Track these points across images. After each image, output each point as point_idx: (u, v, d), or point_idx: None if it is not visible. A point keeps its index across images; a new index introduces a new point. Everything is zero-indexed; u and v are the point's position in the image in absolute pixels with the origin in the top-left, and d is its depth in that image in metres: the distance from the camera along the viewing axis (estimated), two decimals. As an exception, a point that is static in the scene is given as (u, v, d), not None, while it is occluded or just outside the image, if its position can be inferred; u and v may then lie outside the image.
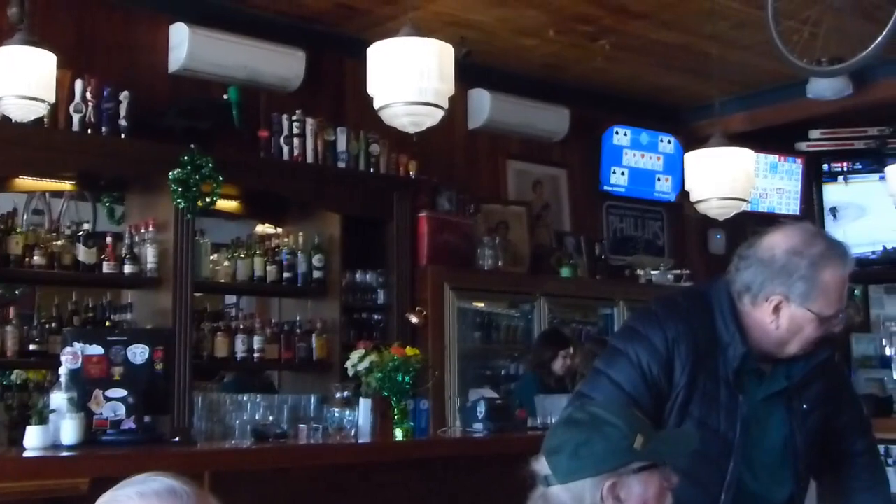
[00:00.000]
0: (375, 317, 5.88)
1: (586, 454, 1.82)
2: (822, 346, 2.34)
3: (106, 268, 4.95)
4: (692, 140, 6.81)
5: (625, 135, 7.25)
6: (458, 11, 5.69)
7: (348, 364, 4.09)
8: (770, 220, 7.70)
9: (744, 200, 4.81)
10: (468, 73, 6.30)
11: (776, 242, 2.28)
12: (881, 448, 5.12)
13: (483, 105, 6.56)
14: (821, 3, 3.92)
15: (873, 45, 3.53)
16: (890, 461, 4.83)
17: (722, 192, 4.70)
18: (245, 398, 4.31)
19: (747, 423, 2.27)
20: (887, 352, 8.53)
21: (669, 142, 7.38)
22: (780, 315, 2.25)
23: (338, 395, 4.20)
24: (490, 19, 5.86)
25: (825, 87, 6.36)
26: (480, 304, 6.31)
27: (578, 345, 5.89)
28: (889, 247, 7.97)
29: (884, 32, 3.48)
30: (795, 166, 7.90)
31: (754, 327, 2.28)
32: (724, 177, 4.68)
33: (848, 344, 8.30)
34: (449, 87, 3.87)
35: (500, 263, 6.25)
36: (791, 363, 2.32)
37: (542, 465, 1.85)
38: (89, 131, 4.90)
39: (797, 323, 2.25)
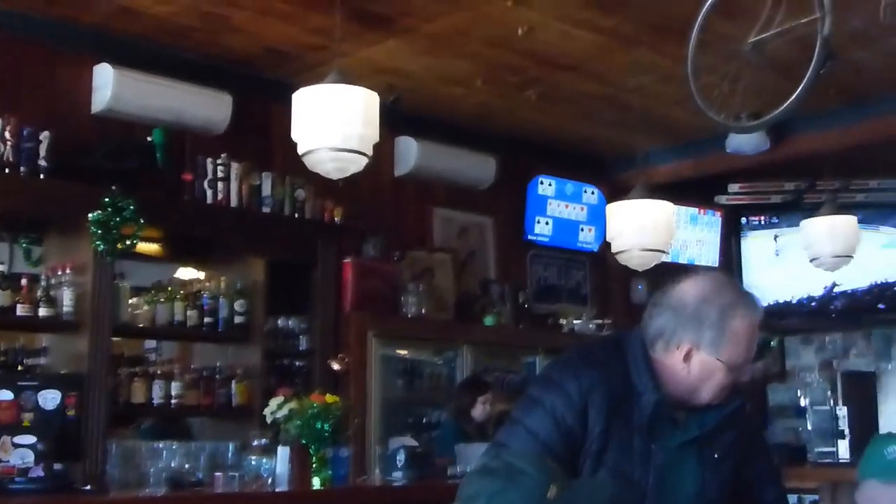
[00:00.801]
0: (297, 363, 5.83)
1: (500, 503, 1.81)
2: (735, 394, 2.37)
3: (20, 310, 4.83)
4: (616, 191, 6.92)
5: (550, 185, 7.33)
6: (386, 59, 5.72)
7: (267, 411, 4.05)
8: (691, 272, 7.88)
9: (663, 252, 4.89)
10: (396, 121, 6.35)
11: (687, 290, 2.32)
12: (794, 497, 5.22)
13: (410, 152, 6.58)
14: (738, 60, 4.01)
15: (788, 102, 3.63)
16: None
17: (643, 243, 4.78)
18: (161, 445, 4.22)
19: (661, 471, 2.29)
20: (802, 402, 8.68)
21: (593, 192, 7.48)
22: (690, 362, 2.29)
23: (255, 442, 4.15)
24: (418, 68, 5.90)
25: (744, 142, 6.51)
26: (404, 351, 6.29)
27: (500, 392, 5.89)
28: (805, 299, 8.15)
29: (798, 89, 3.57)
30: (715, 218, 8.05)
31: (667, 375, 2.31)
32: (645, 228, 4.76)
33: (764, 393, 8.44)
34: (374, 134, 3.89)
35: (423, 311, 6.25)
36: (704, 411, 2.35)
37: (457, 515, 1.84)
38: (7, 171, 4.80)
39: (707, 370, 2.28)
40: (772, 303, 8.10)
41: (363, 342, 5.91)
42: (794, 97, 3.55)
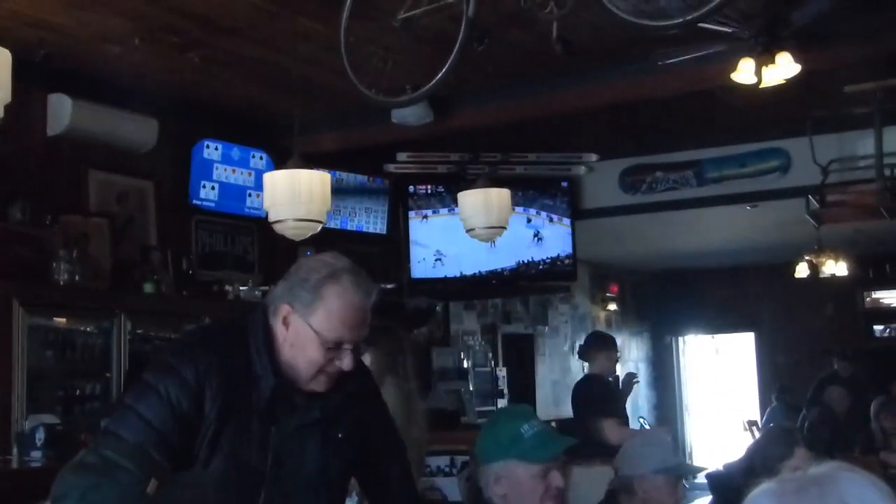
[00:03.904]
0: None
1: (95, 500, 1.72)
2: (360, 374, 2.40)
3: None
4: (284, 158, 6.84)
5: (216, 149, 7.16)
6: (34, 12, 5.33)
7: None
8: (358, 238, 8.00)
9: (319, 222, 4.90)
10: (48, 77, 5.97)
11: (304, 260, 2.36)
12: (446, 459, 5.42)
13: (64, 111, 6.19)
14: (392, 34, 4.05)
15: (433, 81, 3.71)
16: (454, 471, 5.09)
17: (298, 213, 4.76)
18: None
19: (280, 455, 2.28)
20: (465, 364, 9.09)
21: (261, 158, 7.39)
22: (288, 327, 2.29)
23: None
24: (72, 22, 5.55)
25: (408, 114, 6.63)
26: (57, 321, 5.95)
27: None
28: (473, 271, 8.50)
29: (443, 69, 3.66)
30: (383, 187, 8.19)
31: (277, 347, 2.30)
32: (299, 198, 4.74)
33: (429, 357, 8.74)
34: (5, 95, 3.61)
35: (77, 278, 5.92)
36: (325, 393, 2.36)
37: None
38: None
39: (301, 338, 2.28)
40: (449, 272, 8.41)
41: (6, 312, 5.52)
42: (438, 76, 3.63)
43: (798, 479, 1.43)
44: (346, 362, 2.28)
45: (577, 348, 7.53)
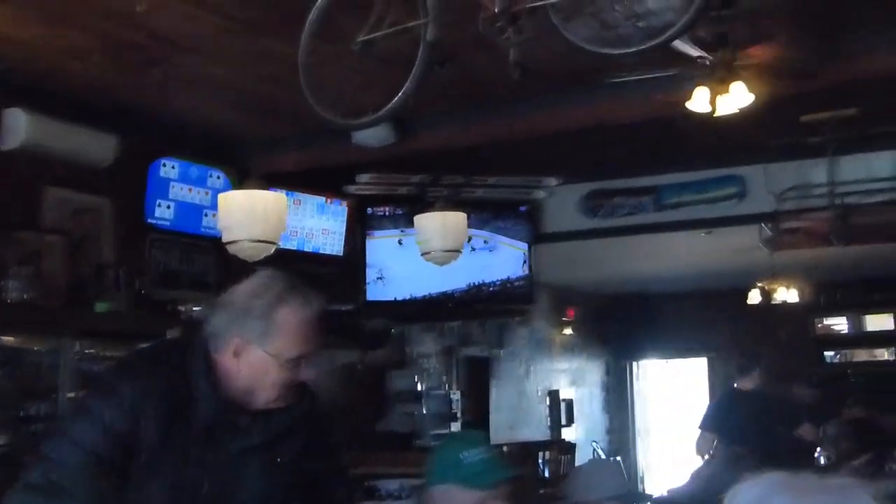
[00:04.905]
0: None
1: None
2: (306, 395, 2.38)
3: None
4: (243, 177, 6.82)
5: (173, 167, 7.11)
6: (-8, 26, 5.29)
7: None
8: (315, 260, 7.97)
9: (274, 243, 4.88)
10: (7, 92, 5.92)
11: (240, 287, 2.33)
12: (397, 483, 5.40)
13: (19, 126, 6.11)
14: (354, 56, 4.04)
15: (390, 105, 3.71)
16: (404, 494, 5.08)
17: (253, 234, 4.73)
18: None
19: (219, 479, 2.25)
20: (419, 387, 9.06)
21: (219, 177, 7.34)
22: (241, 359, 2.27)
23: None
24: (31, 36, 5.50)
25: (369, 135, 6.63)
26: (5, 339, 5.86)
27: None
28: (430, 292, 8.48)
29: (400, 93, 3.66)
30: (342, 208, 8.17)
31: (225, 377, 2.28)
32: (255, 219, 4.71)
33: (385, 380, 8.72)
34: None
35: (26, 296, 5.84)
36: (270, 415, 2.34)
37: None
38: None
39: (259, 367, 2.27)
40: (398, 293, 8.39)
41: (-45, 330, 5.45)
42: (395, 100, 3.64)
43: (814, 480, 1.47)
44: (305, 373, 2.29)
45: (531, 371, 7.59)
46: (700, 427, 8.55)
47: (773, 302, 10.86)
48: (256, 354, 2.25)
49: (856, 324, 13.65)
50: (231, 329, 2.27)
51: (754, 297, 10.95)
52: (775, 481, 1.45)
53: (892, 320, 13.44)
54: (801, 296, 11.05)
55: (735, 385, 8.65)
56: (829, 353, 13.80)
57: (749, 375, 8.28)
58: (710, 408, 8.98)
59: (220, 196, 4.98)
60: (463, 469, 2.60)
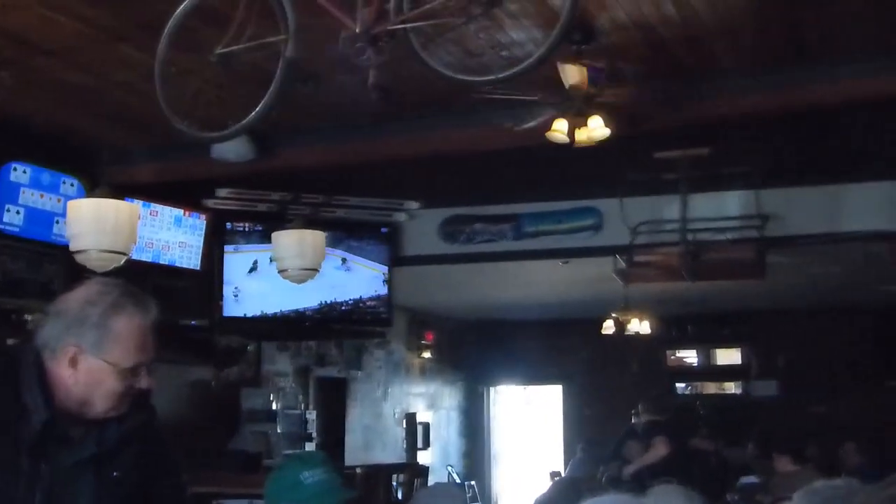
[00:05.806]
0: None
1: None
2: (141, 408, 2.33)
3: None
4: (97, 185, 6.64)
5: (24, 172, 6.87)
6: None
7: None
8: (172, 273, 7.81)
9: (124, 254, 4.77)
10: None
11: (73, 295, 2.28)
12: (247, 502, 5.33)
13: None
14: (213, 69, 4.00)
15: (245, 120, 3.69)
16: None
17: (102, 244, 4.62)
18: None
19: (50, 493, 2.19)
20: (274, 406, 8.96)
21: (73, 185, 7.13)
22: (77, 368, 2.22)
23: None
24: None
25: (228, 149, 6.54)
26: None
27: None
28: (282, 309, 8.39)
29: (257, 108, 3.64)
30: (200, 222, 8.03)
31: (59, 387, 2.22)
32: (104, 229, 4.61)
33: (238, 398, 8.58)
34: None
35: None
36: (104, 428, 2.28)
37: None
38: None
39: (95, 376, 2.22)
40: (252, 310, 8.29)
41: None
42: (252, 115, 3.61)
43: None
44: (144, 381, 2.25)
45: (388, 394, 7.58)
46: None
47: (626, 332, 11.13)
48: (93, 363, 2.20)
49: (706, 357, 14.13)
50: (66, 338, 2.21)
51: (608, 327, 11.21)
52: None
53: (739, 355, 13.96)
54: (652, 328, 11.36)
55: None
56: (680, 385, 14.22)
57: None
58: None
59: (70, 204, 4.84)
60: (302, 490, 2.58)
